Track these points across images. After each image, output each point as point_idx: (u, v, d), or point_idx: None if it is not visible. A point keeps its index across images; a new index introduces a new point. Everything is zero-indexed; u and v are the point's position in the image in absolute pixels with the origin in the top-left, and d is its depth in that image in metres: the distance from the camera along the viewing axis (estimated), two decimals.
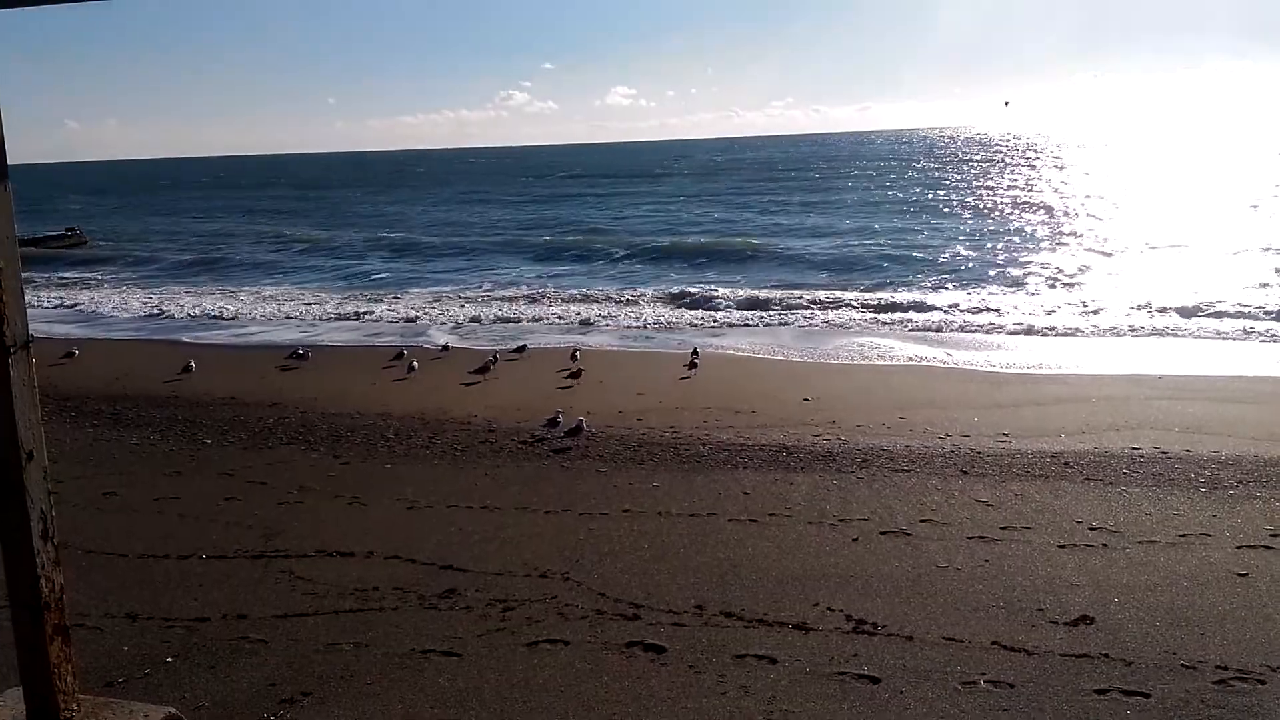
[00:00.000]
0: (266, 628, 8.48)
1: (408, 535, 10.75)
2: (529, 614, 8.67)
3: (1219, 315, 24.90)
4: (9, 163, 4.20)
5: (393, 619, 8.63)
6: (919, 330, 24.93)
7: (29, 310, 4.39)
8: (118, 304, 34.50)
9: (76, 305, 34.46)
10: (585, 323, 27.59)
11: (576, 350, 21.46)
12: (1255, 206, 51.45)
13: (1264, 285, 29.42)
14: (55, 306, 34.14)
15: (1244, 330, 22.94)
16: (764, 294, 31.23)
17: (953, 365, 20.37)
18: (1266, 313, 24.81)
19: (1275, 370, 18.94)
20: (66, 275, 43.50)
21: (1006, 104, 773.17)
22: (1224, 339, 22.37)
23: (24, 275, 4.37)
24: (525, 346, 22.81)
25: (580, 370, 19.40)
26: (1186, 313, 25.37)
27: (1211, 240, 40.46)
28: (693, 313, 28.59)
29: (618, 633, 8.27)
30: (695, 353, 21.17)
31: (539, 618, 8.60)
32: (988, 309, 27.76)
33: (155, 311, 32.35)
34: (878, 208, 65.13)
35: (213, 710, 7.15)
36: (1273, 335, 22.27)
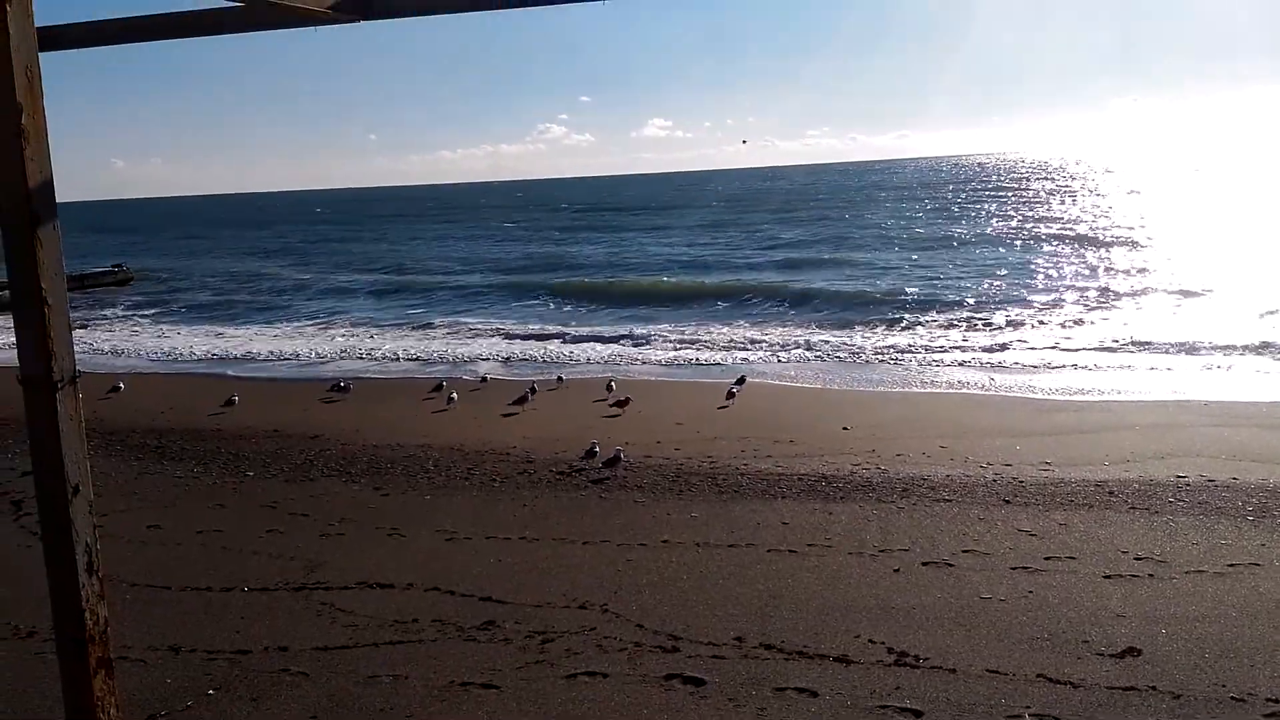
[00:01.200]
0: (307, 660, 8.51)
1: (447, 567, 10.78)
2: (568, 646, 8.65)
3: (1265, 343, 24.49)
4: (57, 201, 4.30)
5: (432, 651, 8.64)
6: (958, 358, 24.72)
7: (75, 346, 4.47)
8: (162, 340, 35.08)
9: (122, 341, 34.98)
10: (610, 359, 27.57)
11: (612, 381, 21.49)
12: None
13: None
14: (102, 342, 34.65)
15: None
16: (803, 333, 31.12)
17: (993, 393, 20.19)
18: None
19: None
20: (112, 311, 44.23)
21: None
22: (1271, 366, 21.97)
23: (71, 311, 4.46)
24: (562, 377, 22.89)
25: (628, 399, 19.34)
26: (1231, 339, 24.96)
27: (1256, 267, 39.90)
28: (736, 354, 28.50)
29: (657, 665, 8.23)
30: (741, 380, 21.25)
31: (578, 650, 8.58)
32: (1027, 336, 27.55)
33: (198, 347, 32.81)
34: (906, 233, 64.91)
35: None
36: None
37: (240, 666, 8.43)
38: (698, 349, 28.25)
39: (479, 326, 35.11)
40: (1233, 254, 43.90)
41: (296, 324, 38.22)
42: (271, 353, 30.48)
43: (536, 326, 34.38)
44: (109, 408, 20.61)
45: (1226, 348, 23.83)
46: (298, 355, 29.90)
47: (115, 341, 34.69)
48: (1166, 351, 24.13)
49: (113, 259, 66.17)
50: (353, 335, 34.05)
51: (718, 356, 26.86)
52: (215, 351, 31.47)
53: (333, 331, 35.50)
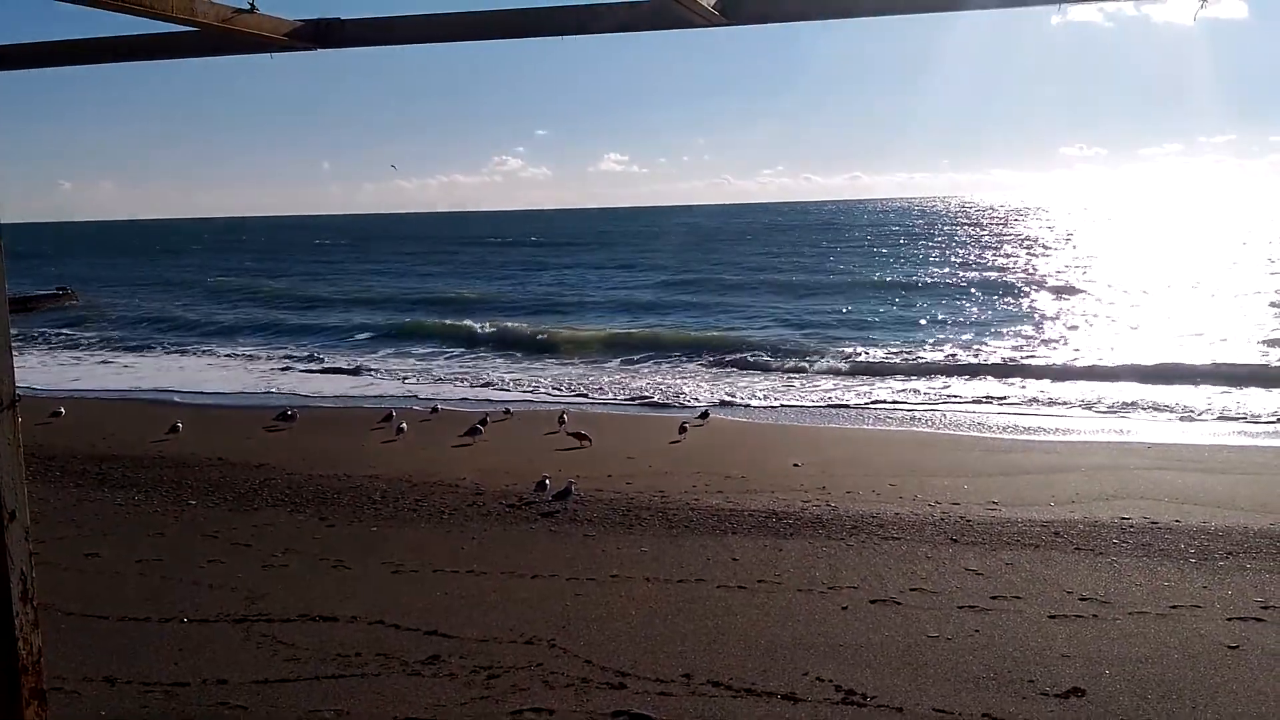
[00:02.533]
0: (246, 694, 8.34)
1: (392, 600, 10.64)
2: (514, 681, 8.55)
3: (1202, 385, 25.00)
4: (1, 221, 4.22)
5: (375, 685, 8.50)
6: (909, 398, 24.92)
7: (15, 369, 4.38)
8: (104, 364, 34.53)
9: (64, 364, 34.39)
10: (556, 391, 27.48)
11: (564, 413, 21.42)
12: (1238, 279, 51.65)
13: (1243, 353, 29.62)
14: (42, 365, 34.01)
15: (1229, 401, 23.01)
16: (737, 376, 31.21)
17: (942, 432, 20.40)
18: (1251, 382, 24.96)
19: (1262, 441, 19.02)
20: (55, 334, 43.46)
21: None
22: (1210, 410, 22.36)
23: (12, 334, 4.37)
24: (510, 409, 22.73)
25: (586, 435, 18.93)
26: (1172, 385, 25.43)
27: (1191, 314, 40.80)
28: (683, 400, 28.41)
29: (604, 702, 8.15)
30: (705, 415, 21.74)
31: (524, 685, 8.48)
32: (974, 378, 27.82)
33: (136, 375, 32.40)
34: (860, 269, 65.65)
35: None
36: (1255, 417, 22.33)
37: (177, 699, 8.24)
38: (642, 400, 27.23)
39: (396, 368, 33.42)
40: (1170, 301, 44.81)
41: (222, 353, 37.48)
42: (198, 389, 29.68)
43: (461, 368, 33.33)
44: (49, 432, 20.21)
45: (1168, 397, 24.19)
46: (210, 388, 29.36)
47: (56, 365, 34.07)
48: (1110, 398, 24.44)
49: (58, 282, 65.11)
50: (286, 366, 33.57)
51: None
52: (141, 378, 31.18)
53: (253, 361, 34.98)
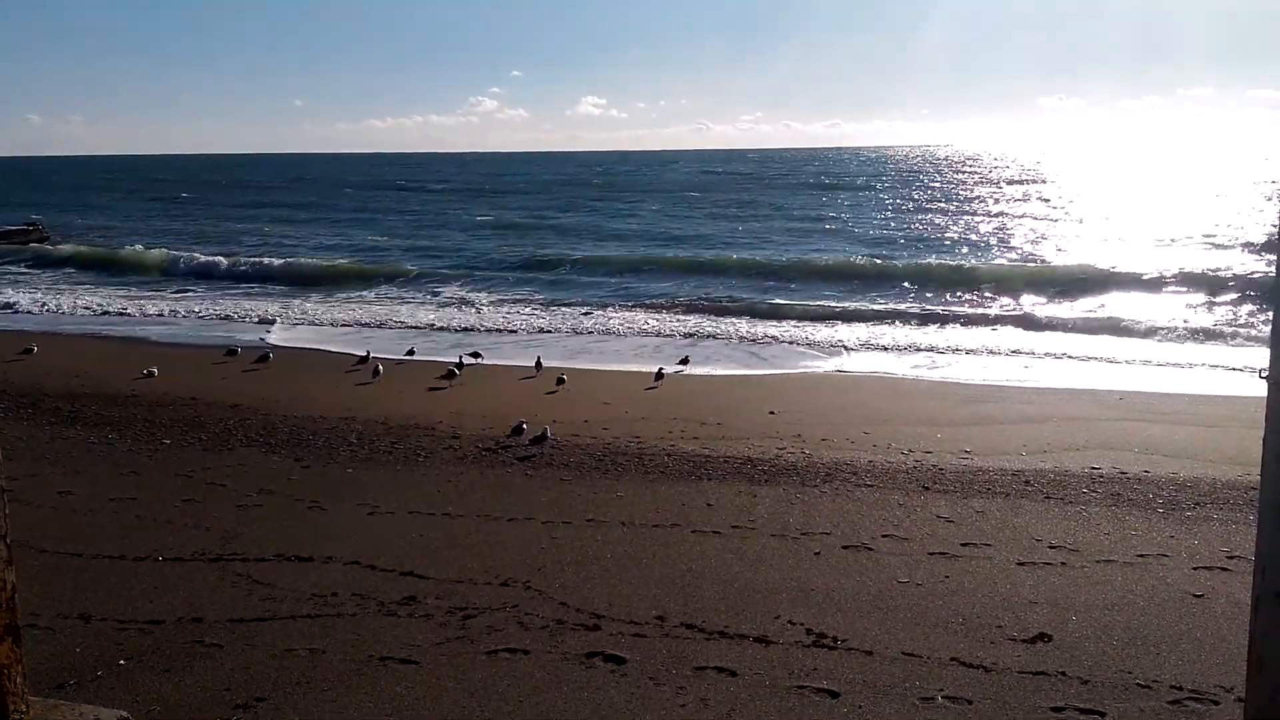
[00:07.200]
0: (222, 632, 8.36)
1: (368, 541, 10.67)
2: (489, 622, 8.61)
3: (1176, 338, 25.25)
4: None
5: (351, 625, 8.54)
6: (883, 347, 24.99)
7: None
8: (73, 300, 34.16)
9: (34, 300, 33.99)
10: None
11: (540, 358, 21.38)
12: (1210, 234, 51.68)
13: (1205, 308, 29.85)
14: (12, 301, 33.58)
15: (1199, 355, 23.23)
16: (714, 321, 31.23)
17: (916, 382, 20.48)
18: (1217, 334, 25.22)
19: (1231, 394, 19.18)
20: (24, 270, 42.90)
21: None
22: (1180, 364, 22.57)
23: None
24: (479, 353, 22.63)
25: (563, 378, 19.28)
26: (1144, 334, 25.68)
27: (1166, 267, 40.97)
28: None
29: (578, 643, 8.23)
30: (685, 360, 22.26)
31: (499, 626, 8.54)
32: (947, 329, 27.92)
33: (108, 309, 32.12)
34: (824, 224, 65.32)
35: (165, 714, 7.05)
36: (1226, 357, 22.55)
37: (152, 637, 8.26)
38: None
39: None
40: (1144, 255, 44.91)
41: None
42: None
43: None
44: (20, 369, 20.07)
45: (1141, 347, 24.42)
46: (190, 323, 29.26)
47: (28, 301, 33.67)
48: (1082, 348, 24.62)
49: (26, 217, 64.14)
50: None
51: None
52: (122, 313, 31.06)
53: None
